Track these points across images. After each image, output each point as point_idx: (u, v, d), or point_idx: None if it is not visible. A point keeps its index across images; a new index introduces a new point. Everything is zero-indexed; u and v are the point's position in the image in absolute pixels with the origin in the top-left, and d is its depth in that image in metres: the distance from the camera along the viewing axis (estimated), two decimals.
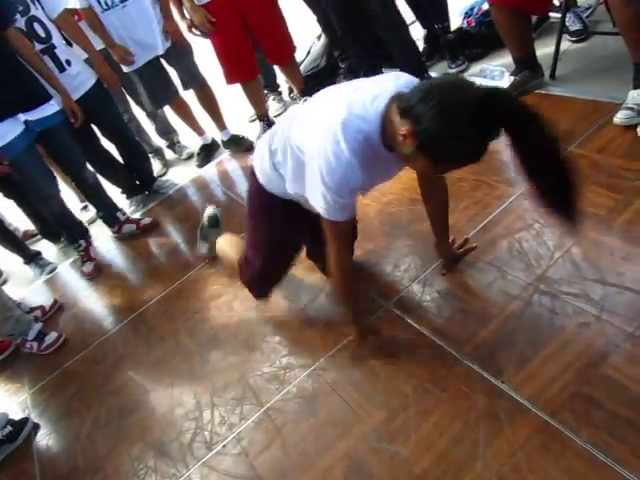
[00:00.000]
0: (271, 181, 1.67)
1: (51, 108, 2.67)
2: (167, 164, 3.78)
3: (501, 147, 2.32)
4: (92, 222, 3.43)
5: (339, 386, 1.70)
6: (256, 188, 1.74)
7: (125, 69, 3.06)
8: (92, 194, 3.11)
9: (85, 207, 3.58)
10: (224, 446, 1.69)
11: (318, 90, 1.58)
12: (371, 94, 1.34)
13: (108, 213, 3.14)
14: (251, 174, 1.76)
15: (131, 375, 2.15)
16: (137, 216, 3.22)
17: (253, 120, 3.66)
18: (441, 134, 1.19)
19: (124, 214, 3.15)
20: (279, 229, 1.76)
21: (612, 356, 1.41)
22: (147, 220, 3.11)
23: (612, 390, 1.35)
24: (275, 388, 1.79)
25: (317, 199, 1.42)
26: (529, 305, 1.64)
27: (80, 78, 2.84)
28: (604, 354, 1.43)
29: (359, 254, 2.13)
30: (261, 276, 1.89)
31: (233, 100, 3.69)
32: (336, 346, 1.82)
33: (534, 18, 2.90)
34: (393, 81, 1.39)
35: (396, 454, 1.44)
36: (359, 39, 3.01)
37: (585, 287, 1.61)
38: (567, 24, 2.76)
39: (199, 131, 3.52)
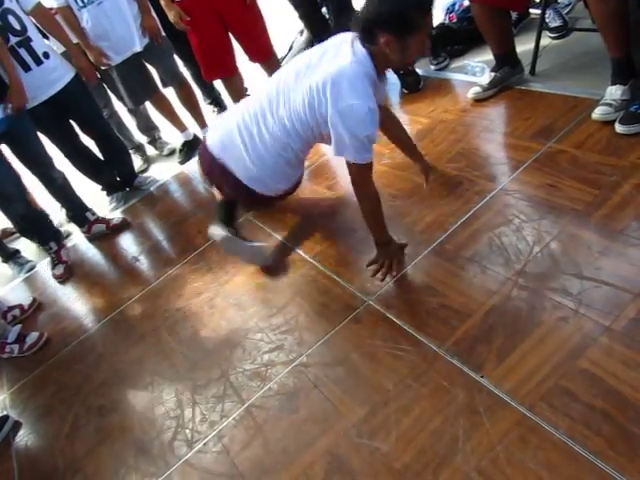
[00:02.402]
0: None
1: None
2: (148, 160, 3.75)
3: (481, 143, 2.35)
4: (61, 225, 3.39)
5: (321, 382, 1.69)
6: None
7: (103, 67, 3.03)
8: (61, 195, 3.07)
9: None
10: (205, 444, 1.68)
11: None
12: (349, 47, 1.69)
13: (77, 214, 3.11)
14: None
15: (111, 374, 2.12)
16: (110, 216, 3.19)
17: None
18: (397, 9, 1.54)
19: (94, 214, 3.12)
20: None
21: (589, 349, 1.43)
22: (117, 220, 3.09)
23: (589, 383, 1.36)
24: (256, 385, 1.78)
25: (352, 151, 1.73)
26: (508, 300, 1.65)
27: (58, 72, 2.80)
28: (582, 347, 1.44)
29: (342, 250, 2.13)
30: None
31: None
32: (318, 342, 1.82)
33: (514, 14, 2.91)
34: (347, 34, 1.75)
35: (377, 449, 1.45)
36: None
37: (563, 281, 1.62)
38: (547, 20, 2.78)
39: (181, 127, 3.49)
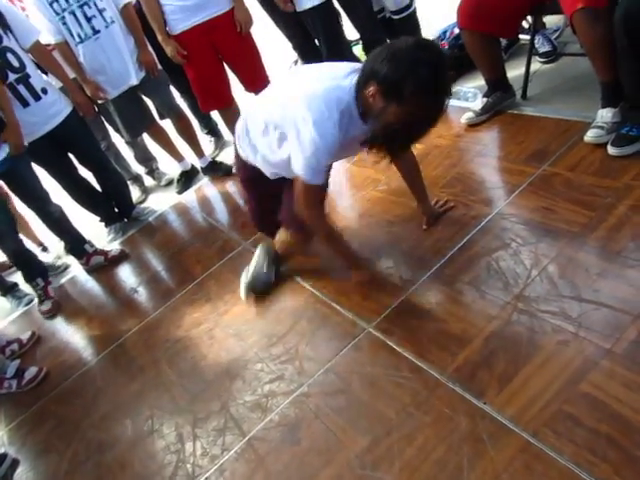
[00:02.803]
0: (249, 156, 1.98)
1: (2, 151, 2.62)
2: (146, 191, 3.77)
3: (476, 168, 2.37)
4: (60, 257, 3.39)
5: (322, 412, 1.68)
6: (241, 162, 2.05)
7: (100, 101, 3.08)
8: (58, 228, 3.08)
9: (44, 249, 3.57)
10: (207, 479, 1.66)
11: None
12: (342, 71, 1.64)
13: (75, 246, 3.11)
14: (235, 152, 2.07)
15: (111, 408, 2.10)
16: (108, 247, 3.19)
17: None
18: (396, 74, 1.45)
19: (92, 246, 3.12)
20: (258, 193, 2.15)
21: (591, 373, 1.42)
22: (116, 251, 3.10)
23: (592, 407, 1.35)
24: (257, 417, 1.76)
25: (300, 166, 1.67)
26: (508, 324, 1.64)
27: (56, 107, 2.84)
28: (583, 371, 1.43)
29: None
30: (254, 215, 2.29)
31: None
32: (318, 372, 1.81)
33: (504, 40, 2.97)
34: (349, 64, 1.72)
35: None
36: (343, 60, 3.06)
37: (562, 304, 1.62)
38: (536, 46, 2.84)
39: (178, 157, 3.52)
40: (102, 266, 3.07)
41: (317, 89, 1.62)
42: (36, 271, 2.97)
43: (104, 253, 3.09)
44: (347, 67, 1.68)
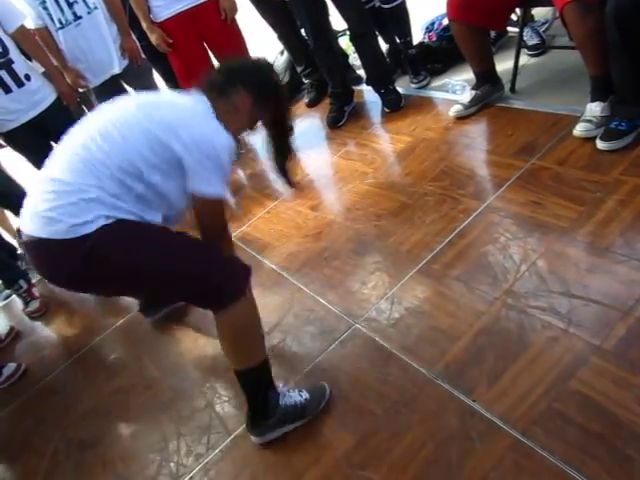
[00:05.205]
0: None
1: None
2: None
3: (465, 161, 2.35)
4: None
5: None
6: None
7: (81, 89, 3.00)
8: None
9: None
10: (191, 478, 1.62)
11: None
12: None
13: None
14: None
15: (92, 405, 2.05)
16: None
17: None
18: (259, 79, 1.61)
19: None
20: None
21: (580, 370, 1.41)
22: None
23: (582, 405, 1.34)
24: (243, 415, 1.72)
25: (211, 183, 1.48)
26: (497, 320, 1.63)
27: (40, 93, 2.76)
28: (573, 368, 1.42)
29: (328, 272, 2.10)
30: None
31: None
32: (305, 369, 1.77)
33: (493, 33, 2.94)
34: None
35: None
36: (330, 51, 3.01)
37: (552, 300, 1.60)
38: (525, 38, 2.82)
39: None
40: None
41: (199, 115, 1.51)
42: (14, 274, 2.89)
43: None
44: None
